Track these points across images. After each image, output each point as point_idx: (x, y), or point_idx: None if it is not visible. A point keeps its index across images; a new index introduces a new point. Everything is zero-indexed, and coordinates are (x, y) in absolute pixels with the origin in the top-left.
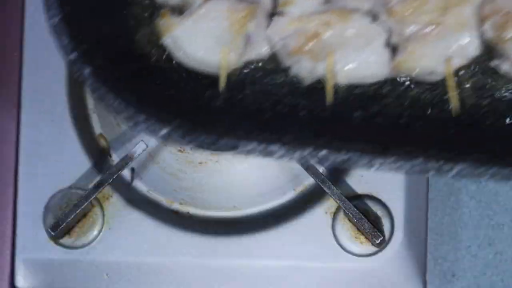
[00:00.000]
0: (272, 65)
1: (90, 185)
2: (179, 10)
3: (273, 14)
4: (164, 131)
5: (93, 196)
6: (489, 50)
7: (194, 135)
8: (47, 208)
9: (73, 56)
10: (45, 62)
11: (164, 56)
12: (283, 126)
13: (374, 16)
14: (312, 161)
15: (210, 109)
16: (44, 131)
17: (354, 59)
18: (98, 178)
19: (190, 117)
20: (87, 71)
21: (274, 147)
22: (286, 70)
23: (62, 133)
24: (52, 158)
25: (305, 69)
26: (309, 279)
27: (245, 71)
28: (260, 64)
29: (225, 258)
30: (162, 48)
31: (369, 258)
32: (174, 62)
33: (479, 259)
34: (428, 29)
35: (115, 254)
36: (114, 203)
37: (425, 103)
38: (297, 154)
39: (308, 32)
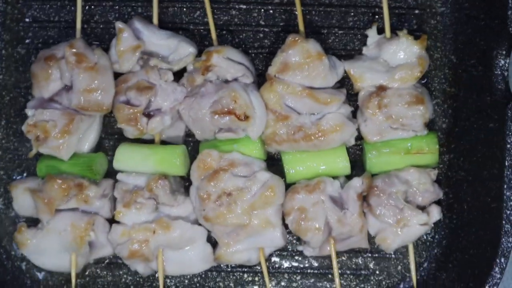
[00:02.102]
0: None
1: None
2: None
3: (114, 220)
4: None
5: None
6: (297, 237)
7: None
8: None
9: None
10: None
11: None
12: None
13: (195, 220)
14: None
15: None
16: None
17: (181, 255)
18: None
19: None
20: None
21: None
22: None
23: None
24: None
25: (140, 268)
26: None
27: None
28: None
29: None
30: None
31: None
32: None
33: None
34: (238, 230)
35: None
36: None
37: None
38: None
39: (139, 239)
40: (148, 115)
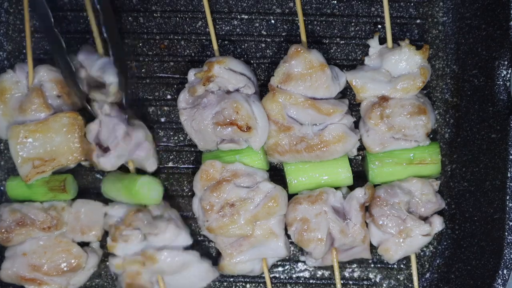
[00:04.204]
0: None
1: None
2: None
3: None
4: None
5: None
6: (300, 248)
7: None
8: None
9: None
10: None
11: None
12: None
13: (184, 242)
14: None
15: None
16: None
17: (180, 277)
18: None
19: None
20: None
21: None
22: None
23: None
24: None
25: None
26: None
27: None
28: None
29: None
30: None
31: None
32: None
33: None
34: (241, 240)
35: None
36: None
37: None
38: None
39: (131, 272)
40: (105, 150)
